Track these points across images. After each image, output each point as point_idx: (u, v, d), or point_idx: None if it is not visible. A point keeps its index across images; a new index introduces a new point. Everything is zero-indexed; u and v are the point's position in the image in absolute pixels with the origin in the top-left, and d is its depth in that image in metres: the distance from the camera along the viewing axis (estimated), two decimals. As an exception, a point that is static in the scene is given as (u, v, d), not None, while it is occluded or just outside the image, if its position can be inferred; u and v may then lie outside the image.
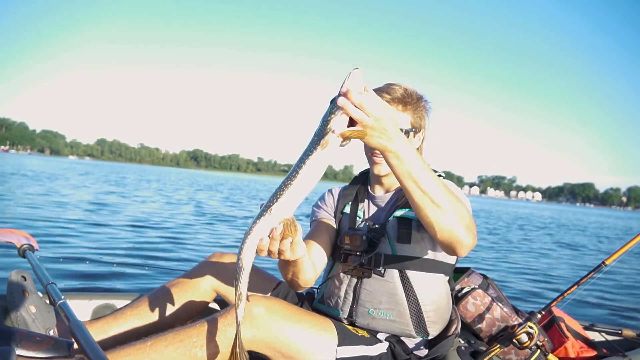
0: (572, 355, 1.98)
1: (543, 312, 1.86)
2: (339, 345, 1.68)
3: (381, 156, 1.81)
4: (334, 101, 1.27)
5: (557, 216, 39.22)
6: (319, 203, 2.15)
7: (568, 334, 2.02)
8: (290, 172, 1.30)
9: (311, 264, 1.80)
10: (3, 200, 8.73)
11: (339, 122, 1.25)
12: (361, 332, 1.79)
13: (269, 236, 1.33)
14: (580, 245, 13.48)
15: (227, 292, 2.08)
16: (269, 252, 1.36)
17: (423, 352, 1.84)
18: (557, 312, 2.13)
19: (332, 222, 2.06)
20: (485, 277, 2.12)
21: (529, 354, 1.90)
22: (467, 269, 2.14)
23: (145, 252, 5.30)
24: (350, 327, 1.79)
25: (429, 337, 1.81)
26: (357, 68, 1.29)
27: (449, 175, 1.96)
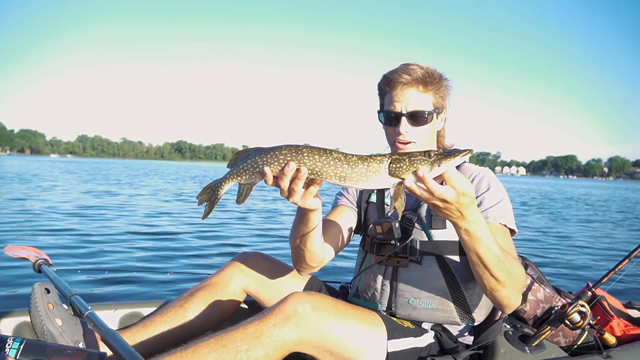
0: (618, 333, 1.94)
1: (594, 289, 1.81)
2: (389, 339, 1.61)
3: (407, 141, 1.76)
4: (417, 160, 1.28)
5: (550, 189, 39.68)
6: (342, 190, 2.08)
7: (612, 312, 1.98)
8: (342, 157, 1.33)
9: (322, 243, 1.74)
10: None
11: (409, 179, 1.28)
12: (406, 323, 1.73)
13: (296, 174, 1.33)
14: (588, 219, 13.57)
15: (258, 292, 2.01)
16: (281, 181, 1.34)
17: (469, 339, 1.79)
18: (596, 290, 2.08)
19: (352, 211, 2.00)
20: (523, 258, 2.07)
21: (577, 335, 1.86)
22: (505, 251, 2.09)
23: (163, 254, 5.13)
24: (395, 319, 1.72)
25: (475, 324, 1.76)
26: (467, 151, 1.31)
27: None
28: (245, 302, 2.09)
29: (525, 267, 2.03)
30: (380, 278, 1.82)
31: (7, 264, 3.90)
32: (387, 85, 1.78)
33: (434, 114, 1.78)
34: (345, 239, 1.95)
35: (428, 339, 1.70)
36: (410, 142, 1.76)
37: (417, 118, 1.74)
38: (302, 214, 1.58)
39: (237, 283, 1.98)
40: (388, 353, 1.59)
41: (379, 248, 1.84)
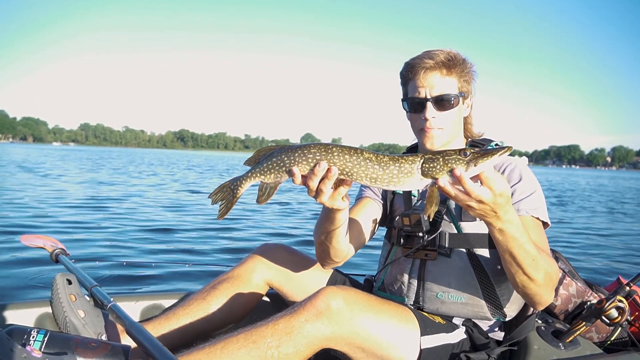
0: (651, 329, 1.89)
1: (632, 285, 1.75)
2: (422, 335, 1.57)
3: (433, 128, 1.70)
4: (451, 158, 1.23)
5: (558, 179, 39.48)
6: None
7: (645, 306, 1.92)
8: (374, 157, 1.29)
9: (347, 239, 1.70)
10: (11, 201, 8.39)
11: (443, 179, 1.23)
12: (437, 319, 1.68)
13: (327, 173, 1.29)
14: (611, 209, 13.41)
15: (282, 285, 1.97)
16: (310, 181, 1.31)
17: (499, 334, 1.75)
18: (625, 282, 2.03)
19: (377, 203, 1.95)
20: (553, 251, 2.01)
21: (610, 331, 1.82)
22: (535, 244, 2.03)
23: (182, 246, 5.07)
24: (426, 314, 1.68)
25: (507, 319, 1.71)
26: (506, 149, 1.24)
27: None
28: (267, 294, 2.05)
29: (556, 260, 1.98)
30: (407, 271, 1.77)
31: (22, 255, 3.88)
32: (410, 72, 1.72)
33: (460, 98, 1.72)
34: (370, 231, 1.90)
35: (460, 334, 1.66)
36: (437, 128, 1.70)
37: (442, 102, 1.68)
38: (327, 212, 1.54)
39: (259, 275, 1.95)
40: (421, 349, 1.55)
41: (406, 240, 1.79)
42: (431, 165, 1.24)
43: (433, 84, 1.68)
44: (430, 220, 1.70)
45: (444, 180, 1.22)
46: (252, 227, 6.68)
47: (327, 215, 1.55)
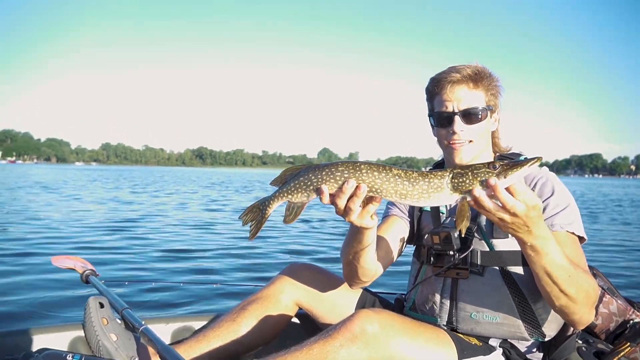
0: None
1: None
2: (459, 358, 1.53)
3: (462, 141, 1.67)
4: (481, 171, 1.21)
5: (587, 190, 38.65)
6: None
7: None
8: (402, 173, 1.28)
9: (375, 258, 1.68)
10: (36, 221, 8.53)
11: (477, 189, 1.21)
12: (473, 340, 1.63)
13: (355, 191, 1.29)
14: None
15: (311, 305, 1.95)
16: (339, 199, 1.30)
17: (538, 355, 1.69)
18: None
19: (405, 221, 1.92)
20: (591, 267, 1.95)
21: (657, 352, 1.74)
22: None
23: (207, 265, 5.07)
24: (462, 336, 1.63)
25: (546, 339, 1.65)
26: (535, 160, 1.22)
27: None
28: (297, 315, 2.03)
29: (594, 277, 1.92)
30: (439, 290, 1.74)
31: (53, 276, 3.91)
32: (436, 86, 1.72)
33: (488, 112, 1.70)
34: (398, 250, 1.88)
35: (497, 356, 1.62)
36: (465, 142, 1.68)
37: (470, 116, 1.66)
38: (355, 231, 1.52)
39: (288, 296, 1.93)
40: None
41: (436, 259, 1.75)
42: (461, 180, 1.22)
43: (460, 97, 1.67)
44: (462, 236, 1.67)
45: (479, 190, 1.19)
46: (276, 244, 6.67)
47: (355, 234, 1.54)
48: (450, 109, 1.68)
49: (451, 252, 1.69)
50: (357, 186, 1.28)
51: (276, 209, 1.40)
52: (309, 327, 2.12)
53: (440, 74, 1.72)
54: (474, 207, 1.23)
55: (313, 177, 1.31)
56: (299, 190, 1.33)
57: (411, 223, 1.94)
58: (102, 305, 1.84)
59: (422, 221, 1.91)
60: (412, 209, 1.95)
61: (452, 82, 1.67)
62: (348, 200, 1.30)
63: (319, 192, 1.30)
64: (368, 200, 1.32)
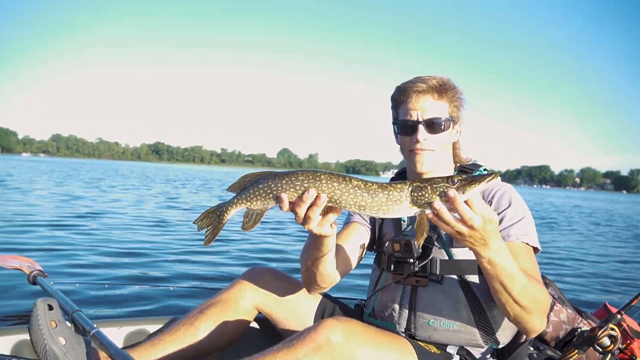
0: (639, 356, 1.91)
1: (623, 313, 1.77)
2: None
3: (424, 150, 1.71)
4: (439, 185, 1.24)
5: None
6: None
7: (631, 334, 1.94)
8: (360, 185, 1.30)
9: (334, 265, 1.69)
10: None
11: (438, 204, 1.24)
12: (432, 348, 1.66)
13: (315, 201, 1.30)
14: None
15: (271, 310, 1.94)
16: (298, 208, 1.30)
17: None
18: (612, 309, 2.05)
19: (365, 228, 1.94)
20: (543, 277, 2.03)
21: (601, 359, 1.82)
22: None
23: (163, 266, 4.90)
24: (423, 344, 1.65)
25: (500, 346, 1.70)
26: (492, 176, 1.25)
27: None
28: (256, 319, 2.00)
29: (546, 286, 1.99)
30: (398, 298, 1.76)
31: None
32: (402, 95, 1.75)
33: (451, 122, 1.75)
34: (358, 257, 1.89)
35: None
36: (428, 150, 1.71)
37: (434, 126, 1.71)
38: (315, 239, 1.53)
39: (248, 300, 1.91)
40: None
41: (397, 266, 1.77)
42: (420, 193, 1.25)
43: (425, 107, 1.70)
44: (420, 248, 1.70)
45: (439, 203, 1.22)
46: (235, 245, 6.57)
47: (314, 242, 1.55)
48: (414, 118, 1.71)
49: (411, 260, 1.72)
50: (317, 196, 1.28)
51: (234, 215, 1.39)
52: (267, 331, 2.10)
53: (407, 83, 1.75)
54: (433, 221, 1.26)
55: (273, 185, 1.31)
56: (259, 197, 1.33)
57: (372, 230, 1.96)
58: (51, 308, 1.75)
59: (383, 228, 1.93)
60: (373, 217, 1.96)
61: (418, 92, 1.70)
62: (308, 209, 1.31)
63: (278, 200, 1.31)
64: (328, 210, 1.34)
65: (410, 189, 1.26)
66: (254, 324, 2.07)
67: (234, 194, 1.37)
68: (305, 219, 1.32)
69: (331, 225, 1.38)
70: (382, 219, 1.93)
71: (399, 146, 1.84)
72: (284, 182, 1.30)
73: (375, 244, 1.96)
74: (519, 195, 1.73)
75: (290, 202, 1.31)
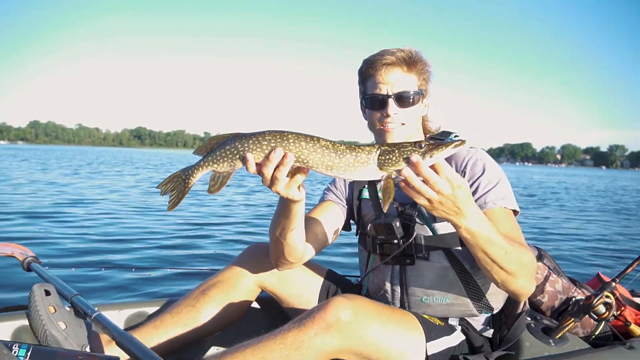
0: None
1: (618, 281, 1.82)
2: (427, 341, 1.56)
3: (395, 124, 1.68)
4: (406, 149, 1.23)
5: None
6: (330, 185, 1.99)
7: (623, 301, 2.00)
8: (330, 146, 1.28)
9: (303, 237, 1.68)
10: None
11: (406, 169, 1.23)
12: (436, 321, 1.67)
13: (282, 160, 1.28)
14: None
15: (275, 288, 1.91)
16: (265, 168, 1.28)
17: (490, 331, 1.77)
18: (605, 278, 2.11)
19: (340, 208, 1.92)
20: (538, 248, 2.07)
21: (594, 326, 1.88)
22: (520, 242, 2.07)
23: (164, 250, 4.86)
24: (427, 317, 1.67)
25: (494, 312, 1.73)
26: (460, 142, 1.24)
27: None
28: (258, 298, 1.98)
29: (541, 257, 2.03)
30: (388, 278, 1.76)
31: None
32: (370, 68, 1.70)
33: (420, 96, 1.72)
34: (331, 236, 1.86)
35: (459, 336, 1.67)
36: (398, 124, 1.69)
37: (403, 99, 1.68)
38: (284, 205, 1.51)
39: (251, 279, 1.88)
40: (427, 356, 1.54)
41: (382, 248, 1.75)
42: (387, 157, 1.25)
43: (394, 80, 1.67)
44: (385, 211, 1.66)
45: (408, 171, 1.22)
46: (231, 224, 6.54)
47: (283, 208, 1.53)
48: (384, 92, 1.67)
49: (395, 241, 1.70)
50: (284, 155, 1.27)
51: (201, 179, 1.37)
52: (269, 310, 2.10)
53: (374, 56, 1.71)
54: (400, 187, 1.25)
55: (239, 146, 1.29)
56: (225, 159, 1.31)
57: (349, 210, 1.94)
58: (48, 293, 1.72)
59: (362, 209, 1.90)
60: (350, 197, 1.94)
61: (387, 65, 1.66)
62: (275, 170, 1.29)
63: (244, 160, 1.29)
64: (295, 171, 1.32)
65: (378, 152, 1.26)
66: (255, 304, 2.06)
67: (201, 157, 1.35)
68: (272, 180, 1.31)
69: (299, 188, 1.37)
70: (360, 200, 1.91)
71: (367, 121, 1.80)
72: (250, 142, 1.28)
73: (356, 224, 1.94)
74: (493, 160, 1.70)
75: (257, 164, 1.29)
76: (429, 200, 1.24)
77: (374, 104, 1.71)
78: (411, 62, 1.69)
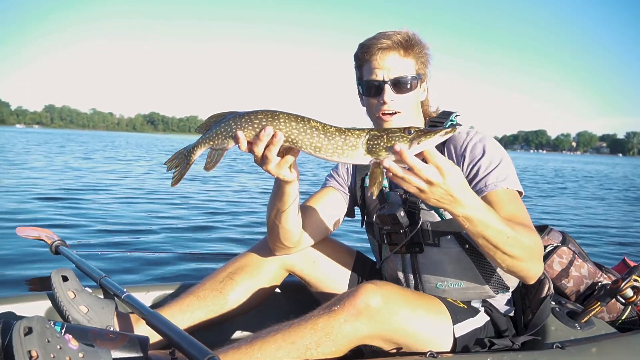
0: (656, 307, 1.95)
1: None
2: (454, 323, 1.56)
3: (391, 112, 1.64)
4: (396, 135, 1.21)
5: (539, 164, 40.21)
6: (332, 172, 1.97)
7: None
8: (319, 128, 1.28)
9: (298, 220, 1.67)
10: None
11: (388, 159, 1.22)
12: (460, 304, 1.67)
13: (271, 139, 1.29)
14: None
15: (304, 272, 1.90)
16: (255, 146, 1.29)
17: (512, 311, 1.76)
18: (632, 263, 2.09)
19: (342, 195, 1.89)
20: (563, 233, 2.05)
21: (621, 311, 1.87)
22: (545, 226, 2.06)
23: (189, 232, 4.90)
24: (452, 301, 1.66)
25: (511, 290, 1.72)
26: (451, 129, 1.21)
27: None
28: (284, 282, 1.97)
29: (565, 241, 2.01)
30: (400, 267, 1.76)
31: (18, 247, 3.63)
32: (366, 53, 1.66)
33: (418, 81, 1.68)
34: (331, 223, 1.85)
35: (484, 317, 1.66)
36: (396, 113, 1.65)
37: (401, 85, 1.63)
38: (277, 186, 1.53)
39: (279, 263, 1.87)
40: (455, 338, 1.55)
41: (390, 238, 1.74)
42: (375, 142, 1.24)
43: (390, 65, 1.63)
44: (374, 197, 1.66)
45: (389, 161, 1.20)
46: (250, 211, 6.53)
47: (276, 190, 1.54)
48: (380, 77, 1.63)
49: (401, 231, 1.68)
50: (273, 134, 1.28)
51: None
52: (290, 295, 2.12)
53: (370, 40, 1.66)
54: (388, 176, 1.23)
55: (233, 124, 1.32)
56: (219, 136, 1.34)
57: (352, 198, 1.92)
58: (65, 279, 1.74)
59: (366, 199, 1.88)
60: (353, 184, 1.92)
61: (383, 49, 1.62)
62: (265, 149, 1.30)
63: (235, 138, 1.31)
64: (286, 151, 1.33)
65: (367, 136, 1.25)
66: (278, 289, 2.07)
67: (202, 135, 1.38)
68: (263, 159, 1.32)
69: (290, 168, 1.38)
70: (363, 190, 1.88)
71: (365, 108, 1.76)
72: (242, 120, 1.31)
73: (361, 213, 1.93)
74: (494, 141, 1.65)
75: (248, 142, 1.31)
76: (420, 190, 1.22)
77: (370, 90, 1.67)
78: (408, 45, 1.64)
